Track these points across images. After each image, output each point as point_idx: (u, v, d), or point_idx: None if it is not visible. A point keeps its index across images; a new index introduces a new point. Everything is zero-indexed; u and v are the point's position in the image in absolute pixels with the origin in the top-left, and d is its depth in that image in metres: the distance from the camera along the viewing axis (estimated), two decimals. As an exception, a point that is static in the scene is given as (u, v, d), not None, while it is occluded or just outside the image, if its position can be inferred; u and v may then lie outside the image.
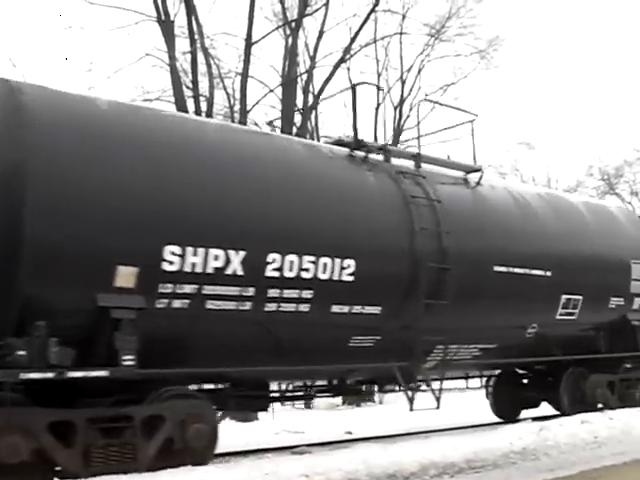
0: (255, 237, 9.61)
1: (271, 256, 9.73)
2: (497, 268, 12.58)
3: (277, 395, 12.23)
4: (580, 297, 14.39)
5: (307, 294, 10.20)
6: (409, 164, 12.68)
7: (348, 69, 32.05)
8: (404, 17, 31.32)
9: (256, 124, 24.90)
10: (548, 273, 13.60)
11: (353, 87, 13.80)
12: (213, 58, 25.78)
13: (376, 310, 11.07)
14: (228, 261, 9.32)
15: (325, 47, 36.47)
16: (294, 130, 26.86)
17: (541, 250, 13.71)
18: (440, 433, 11.66)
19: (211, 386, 9.59)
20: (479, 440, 10.55)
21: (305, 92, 28.41)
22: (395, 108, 33.80)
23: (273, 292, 9.83)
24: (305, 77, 28.78)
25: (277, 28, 28.34)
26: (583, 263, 14.51)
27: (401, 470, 8.83)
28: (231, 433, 17.13)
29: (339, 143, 12.06)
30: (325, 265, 10.30)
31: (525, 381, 16.14)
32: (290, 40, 27.70)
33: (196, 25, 24.73)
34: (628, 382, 15.59)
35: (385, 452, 9.41)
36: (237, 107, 26.18)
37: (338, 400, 23.14)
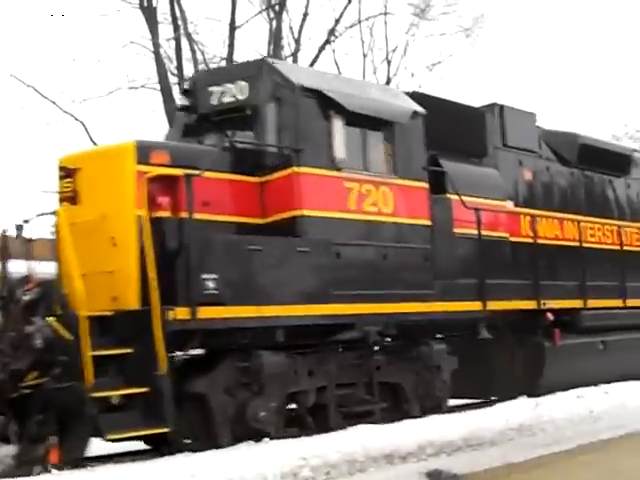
0: None
1: None
2: None
3: None
4: None
5: None
6: None
7: (333, 51, 31.88)
8: (388, -3, 31.13)
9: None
10: None
11: None
12: (197, 44, 25.68)
13: None
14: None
15: (310, 29, 36.26)
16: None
17: None
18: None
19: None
20: (476, 418, 10.56)
21: (291, 76, 28.25)
22: (381, 89, 33.70)
23: None
24: (290, 60, 28.63)
25: (261, 12, 28.17)
26: None
27: (398, 450, 8.82)
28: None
29: None
30: None
31: None
32: (274, 23, 27.56)
33: (179, 11, 24.62)
34: None
35: (382, 433, 9.40)
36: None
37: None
